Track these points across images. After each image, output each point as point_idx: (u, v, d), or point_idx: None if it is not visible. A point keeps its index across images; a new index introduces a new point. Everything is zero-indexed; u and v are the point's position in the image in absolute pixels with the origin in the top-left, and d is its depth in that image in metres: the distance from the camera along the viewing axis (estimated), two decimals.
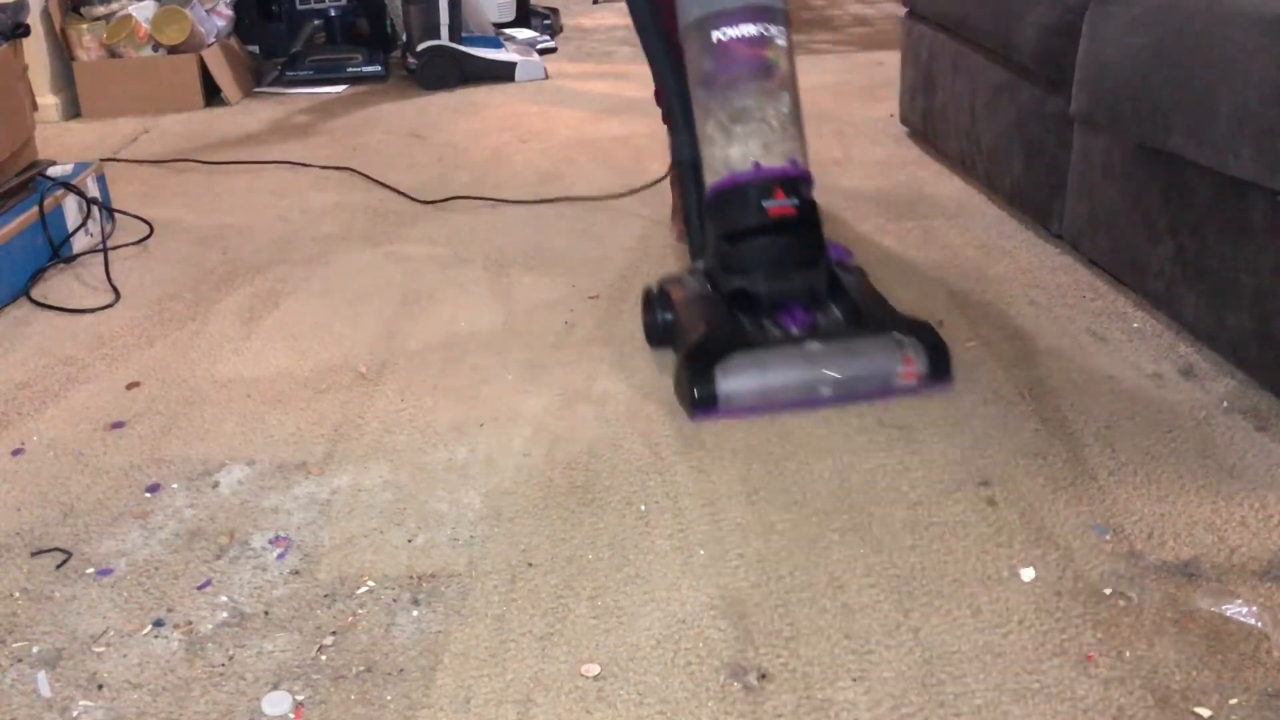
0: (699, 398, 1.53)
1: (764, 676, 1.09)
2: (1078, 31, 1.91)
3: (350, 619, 1.19)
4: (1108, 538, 1.27)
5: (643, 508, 1.36)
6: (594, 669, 1.10)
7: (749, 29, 1.67)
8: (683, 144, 1.82)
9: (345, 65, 3.85)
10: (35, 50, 3.30)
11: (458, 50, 3.72)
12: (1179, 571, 1.21)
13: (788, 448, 1.48)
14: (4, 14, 2.26)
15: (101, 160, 2.52)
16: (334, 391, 1.68)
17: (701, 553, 1.27)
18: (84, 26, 3.47)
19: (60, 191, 2.24)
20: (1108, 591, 1.18)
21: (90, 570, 1.28)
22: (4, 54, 2.23)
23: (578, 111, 3.36)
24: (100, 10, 3.51)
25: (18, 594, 1.25)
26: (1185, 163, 1.64)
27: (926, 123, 2.71)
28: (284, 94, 3.74)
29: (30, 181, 2.24)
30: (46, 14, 3.42)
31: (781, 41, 1.70)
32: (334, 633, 1.17)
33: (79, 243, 2.27)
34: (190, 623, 1.19)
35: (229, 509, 1.39)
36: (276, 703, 1.07)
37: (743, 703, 1.06)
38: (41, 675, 1.12)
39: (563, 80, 3.82)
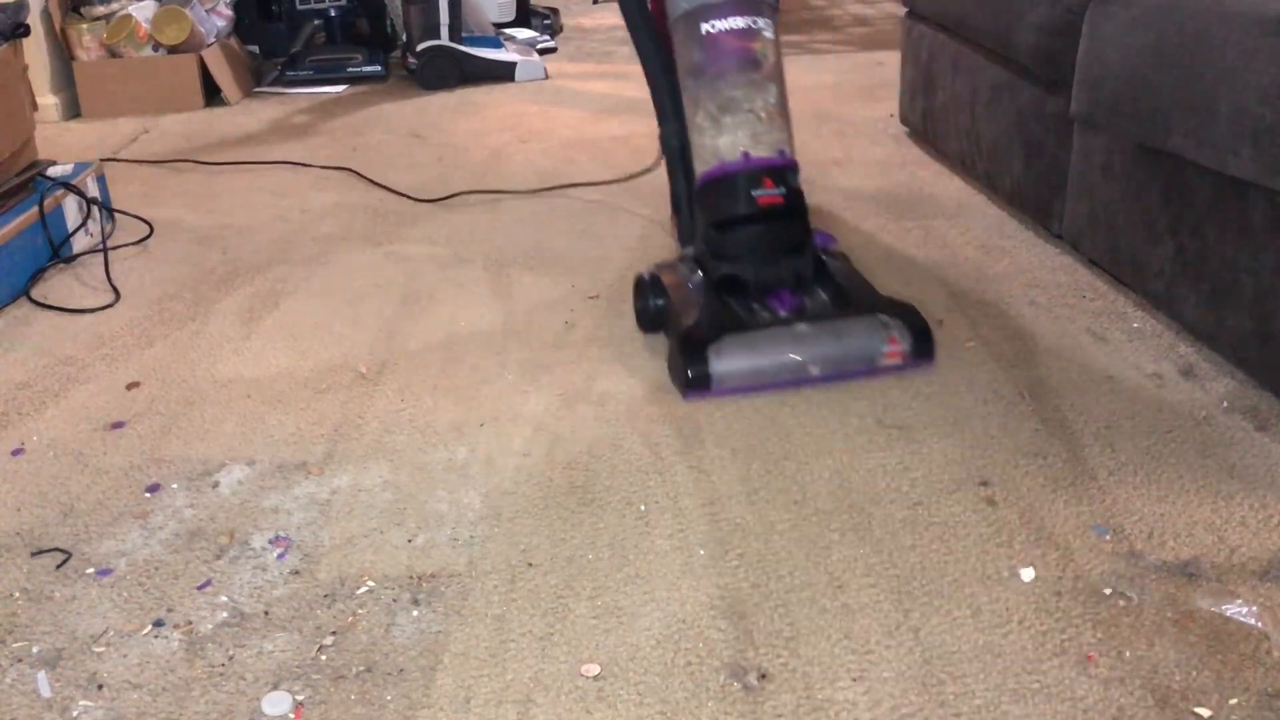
0: (693, 378, 1.59)
1: (764, 676, 1.09)
2: (1078, 31, 1.91)
3: (350, 619, 1.19)
4: (1108, 538, 1.27)
5: (643, 508, 1.36)
6: (594, 669, 1.10)
7: (737, 21, 1.71)
8: (671, 133, 1.87)
9: (345, 65, 3.85)
10: (35, 50, 3.30)
11: (458, 50, 3.72)
12: (1179, 571, 1.21)
13: (788, 448, 1.48)
14: (4, 14, 2.26)
15: (101, 160, 2.52)
16: (334, 391, 1.68)
17: (701, 553, 1.27)
18: (84, 26, 3.47)
19: (60, 191, 2.24)
20: (1108, 591, 1.19)
21: (90, 570, 1.28)
22: (4, 54, 2.23)
23: (578, 111, 3.36)
24: (100, 10, 3.51)
25: (18, 594, 1.25)
26: (1185, 163, 1.64)
27: (926, 123, 2.71)
28: (284, 94, 3.74)
29: (30, 181, 2.24)
30: (46, 14, 3.42)
31: (769, 34, 1.75)
32: (334, 633, 1.17)
33: (79, 243, 2.27)
34: (190, 623, 1.19)
35: (229, 509, 1.39)
36: (276, 703, 1.07)
37: (743, 703, 1.06)
38: (41, 675, 1.12)
39: (563, 80, 3.82)
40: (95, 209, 2.33)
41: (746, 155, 1.70)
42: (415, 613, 1.19)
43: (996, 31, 2.24)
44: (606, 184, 2.61)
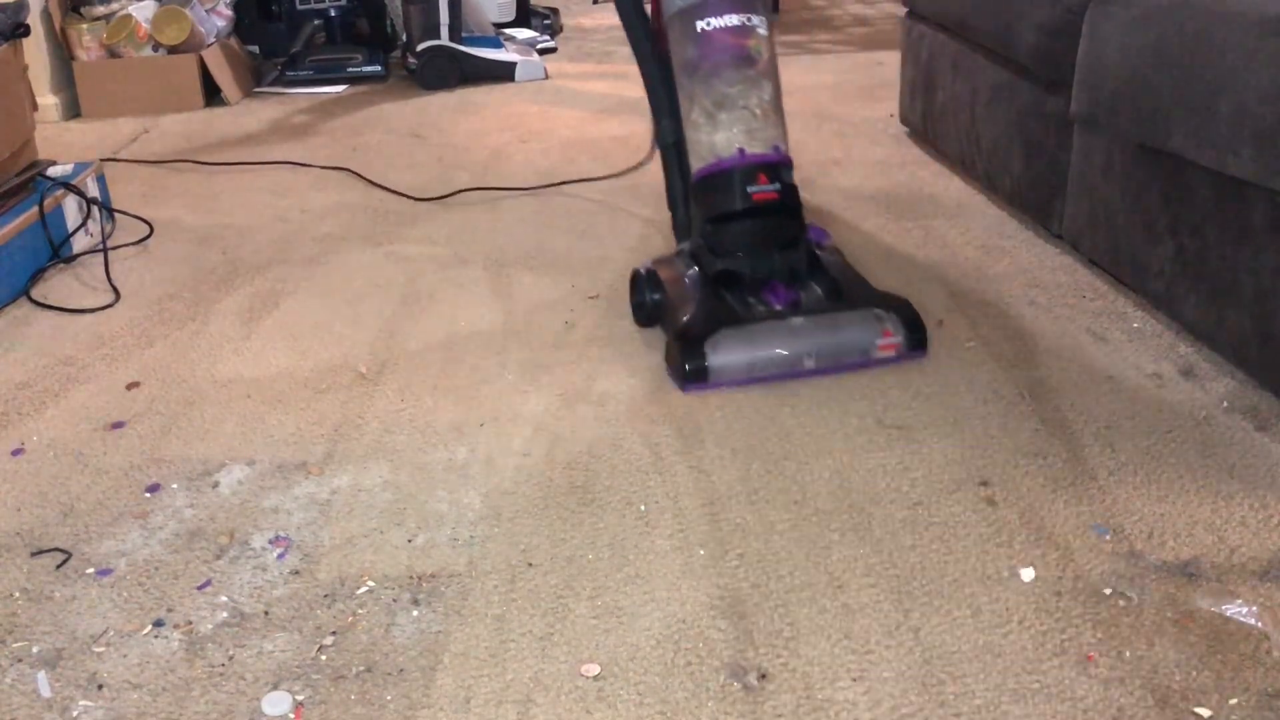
0: (690, 371, 1.61)
1: (764, 676, 1.09)
2: (1078, 31, 1.91)
3: (350, 619, 1.19)
4: (1108, 538, 1.27)
5: (643, 508, 1.36)
6: (594, 669, 1.10)
7: (732, 19, 1.74)
8: (666, 129, 1.89)
9: (345, 65, 3.85)
10: (35, 50, 3.30)
11: (458, 50, 3.72)
12: (1179, 571, 1.21)
13: (788, 448, 1.48)
14: (4, 14, 2.26)
15: (101, 160, 2.52)
16: (334, 391, 1.68)
17: (701, 553, 1.27)
18: (84, 26, 3.47)
19: (60, 191, 2.24)
20: (1108, 591, 1.19)
21: (90, 570, 1.28)
22: (4, 54, 2.23)
23: (578, 111, 3.36)
24: (100, 10, 3.51)
25: (18, 594, 1.25)
26: (1185, 163, 1.64)
27: (926, 123, 2.71)
28: (284, 94, 3.74)
29: (30, 181, 2.24)
30: (46, 14, 3.42)
31: (763, 31, 1.77)
32: (334, 633, 1.17)
33: (79, 243, 2.27)
34: (190, 623, 1.19)
35: (229, 509, 1.39)
36: (276, 703, 1.07)
37: (743, 703, 1.06)
38: (41, 675, 1.12)
39: (563, 80, 3.82)
40: (95, 209, 2.33)
41: (742, 151, 1.72)
42: (415, 613, 1.19)
43: (996, 31, 2.24)
44: (605, 179, 2.61)
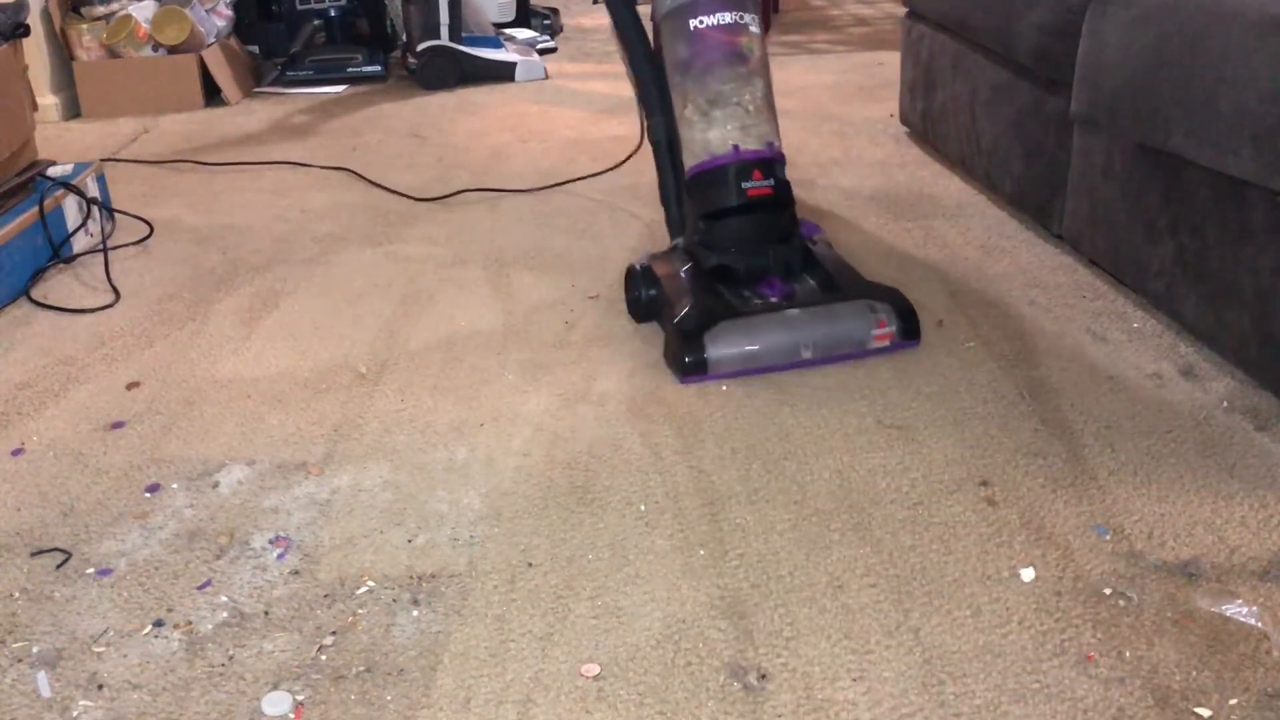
0: (689, 363, 1.64)
1: (764, 676, 1.09)
2: (1078, 31, 1.91)
3: (350, 619, 1.19)
4: (1108, 538, 1.27)
5: (643, 508, 1.36)
6: (594, 669, 1.10)
7: (725, 17, 1.76)
8: (658, 127, 1.91)
9: (345, 65, 3.85)
10: (35, 50, 3.30)
11: (458, 50, 3.71)
12: (1179, 571, 1.21)
13: (788, 448, 1.48)
14: (4, 14, 2.26)
15: (101, 160, 2.52)
16: (334, 391, 1.68)
17: (701, 553, 1.27)
18: (84, 26, 3.47)
19: (60, 191, 2.24)
20: (1108, 591, 1.19)
21: (90, 570, 1.28)
22: (4, 54, 2.23)
23: (578, 111, 3.36)
24: (100, 10, 3.51)
25: (18, 594, 1.25)
26: (1185, 163, 1.64)
27: (926, 123, 2.71)
28: (284, 94, 3.74)
29: (30, 181, 2.24)
30: (46, 14, 3.42)
31: (755, 29, 1.80)
32: (334, 633, 1.17)
33: (79, 243, 2.27)
34: (190, 623, 1.19)
35: (229, 509, 1.39)
36: (276, 703, 1.07)
37: (743, 703, 1.06)
38: (41, 675, 1.12)
39: (563, 80, 3.82)
40: (95, 209, 2.33)
41: (736, 148, 1.74)
42: (415, 613, 1.19)
43: (996, 31, 2.24)
44: (599, 174, 2.61)
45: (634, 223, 2.36)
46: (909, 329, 1.71)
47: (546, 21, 4.56)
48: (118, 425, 1.60)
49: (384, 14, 4.13)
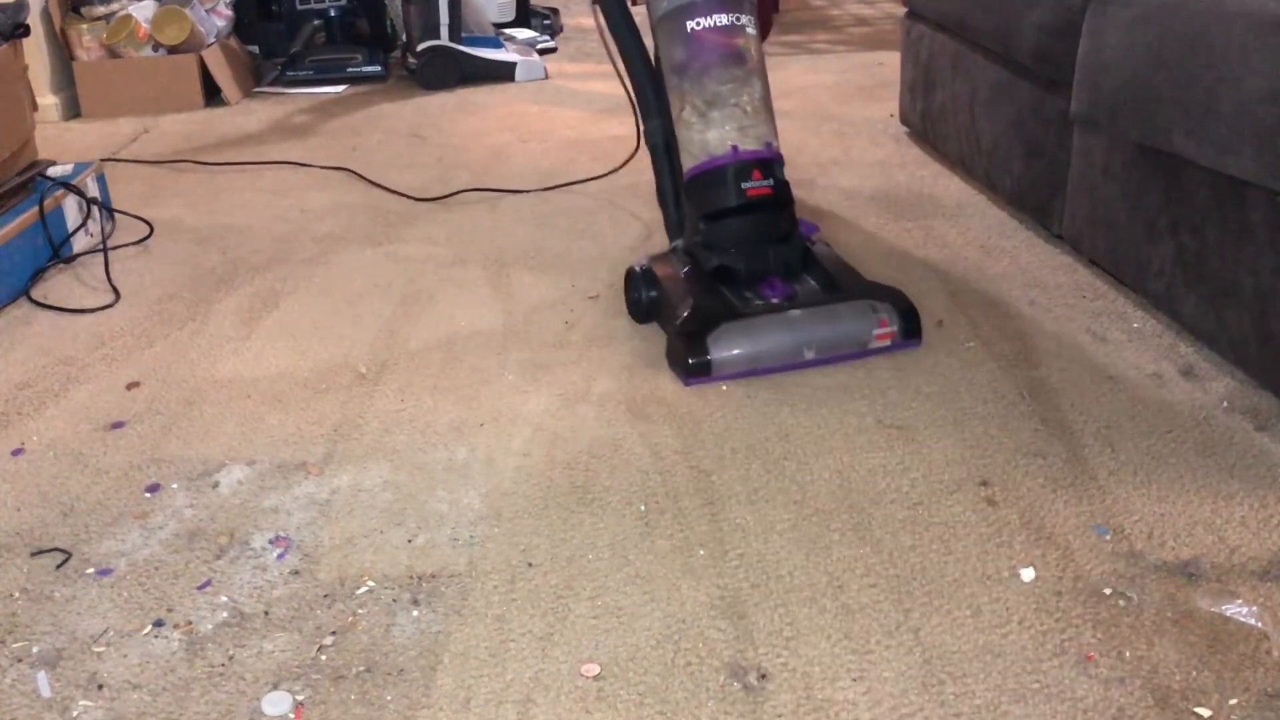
0: (693, 365, 1.64)
1: (764, 676, 1.09)
2: (1078, 31, 1.91)
3: (350, 619, 1.19)
4: (1108, 538, 1.27)
5: (643, 508, 1.36)
6: (594, 669, 1.10)
7: (722, 18, 1.76)
8: (655, 129, 1.91)
9: (345, 65, 3.85)
10: (35, 50, 3.30)
11: (458, 50, 3.71)
12: (1179, 571, 1.21)
13: (788, 448, 1.48)
14: (4, 14, 2.26)
15: (101, 160, 2.52)
16: (334, 391, 1.68)
17: (701, 553, 1.27)
18: (84, 26, 3.47)
19: (60, 191, 2.24)
20: (1108, 591, 1.19)
21: (90, 570, 1.28)
22: (4, 54, 2.23)
23: (578, 111, 3.36)
24: (100, 10, 3.51)
25: (18, 594, 1.25)
26: (1185, 163, 1.64)
27: (926, 123, 2.71)
28: (284, 94, 3.74)
29: (30, 181, 2.24)
30: (46, 14, 3.42)
31: (751, 30, 1.80)
32: (334, 633, 1.17)
33: (79, 243, 2.27)
34: (190, 623, 1.19)
35: (229, 509, 1.39)
36: (276, 703, 1.07)
37: (743, 703, 1.06)
38: (41, 675, 1.12)
39: (563, 80, 3.82)
40: (95, 209, 2.33)
41: (735, 149, 1.74)
42: (415, 613, 1.19)
43: (996, 31, 2.24)
44: (600, 177, 2.61)
45: (634, 223, 2.36)
46: (910, 329, 1.71)
47: (546, 21, 4.56)
48: (118, 425, 1.60)
49: (384, 14, 4.13)
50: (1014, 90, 2.21)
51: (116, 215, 2.46)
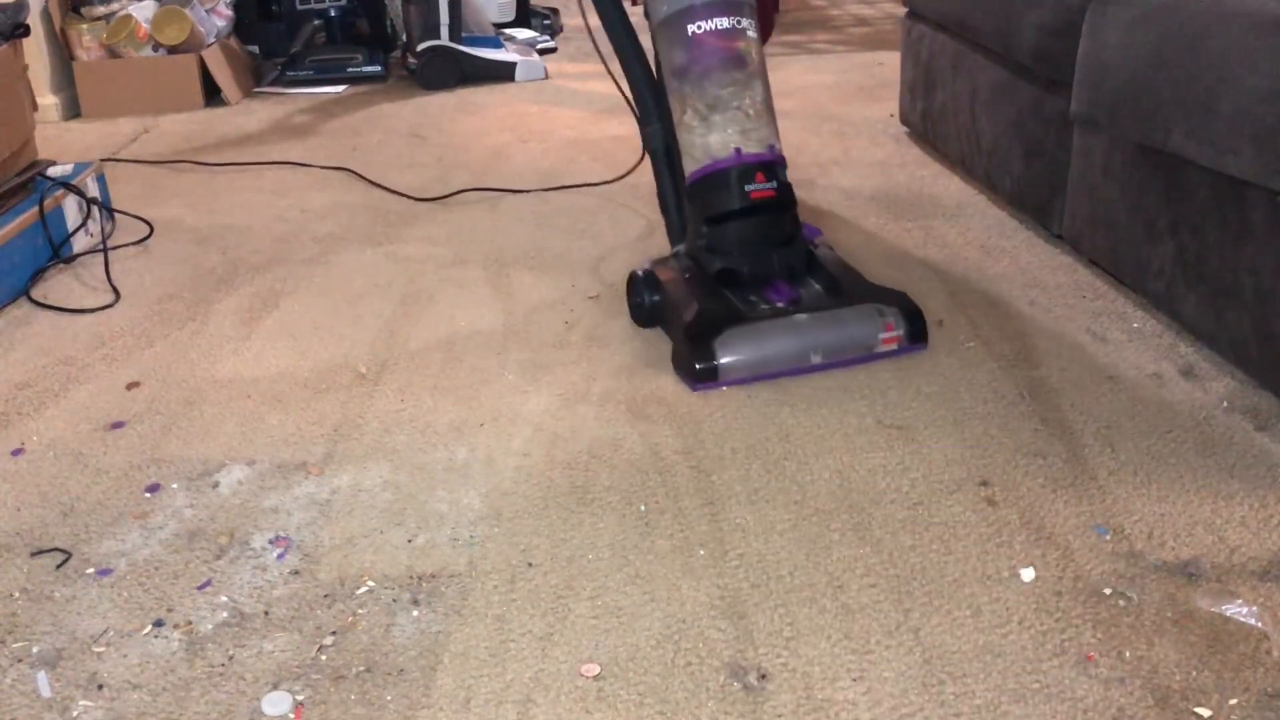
0: (701, 370, 1.62)
1: (764, 676, 1.09)
2: (1078, 31, 1.91)
3: (350, 619, 1.19)
4: (1108, 538, 1.27)
5: (643, 508, 1.36)
6: (594, 669, 1.10)
7: (723, 22, 1.76)
8: (655, 134, 1.91)
9: (345, 65, 3.85)
10: (35, 50, 3.30)
11: (458, 50, 3.71)
12: (1179, 571, 1.21)
13: (788, 448, 1.48)
14: (4, 14, 2.26)
15: (101, 160, 2.52)
16: (334, 391, 1.68)
17: (701, 553, 1.27)
18: (84, 26, 3.47)
19: (60, 191, 2.24)
20: (1108, 591, 1.19)
21: (90, 570, 1.28)
22: (4, 54, 2.23)
23: (578, 111, 3.36)
24: (100, 10, 3.51)
25: (18, 594, 1.25)
26: (1185, 163, 1.64)
27: (926, 123, 2.71)
28: (284, 94, 3.74)
29: (30, 181, 2.24)
30: (46, 14, 3.42)
31: (752, 33, 1.79)
32: (334, 633, 1.17)
33: (79, 243, 2.27)
34: (190, 623, 1.19)
35: (229, 509, 1.39)
36: (276, 703, 1.07)
37: (743, 703, 1.06)
38: (41, 675, 1.12)
39: (563, 80, 3.82)
40: (95, 209, 2.33)
41: (738, 151, 1.73)
42: (415, 613, 1.19)
43: (996, 31, 2.24)
44: (603, 184, 2.61)
45: (634, 223, 2.36)
46: (916, 332, 1.70)
47: (546, 21, 4.56)
48: (118, 425, 1.60)
49: (384, 14, 4.13)
50: (1014, 90, 2.21)
51: (116, 215, 2.46)
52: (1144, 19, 1.72)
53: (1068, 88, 1.96)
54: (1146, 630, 1.13)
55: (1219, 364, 1.65)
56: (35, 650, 1.16)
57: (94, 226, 2.32)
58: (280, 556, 1.30)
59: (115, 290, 2.08)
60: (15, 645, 1.16)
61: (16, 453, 1.54)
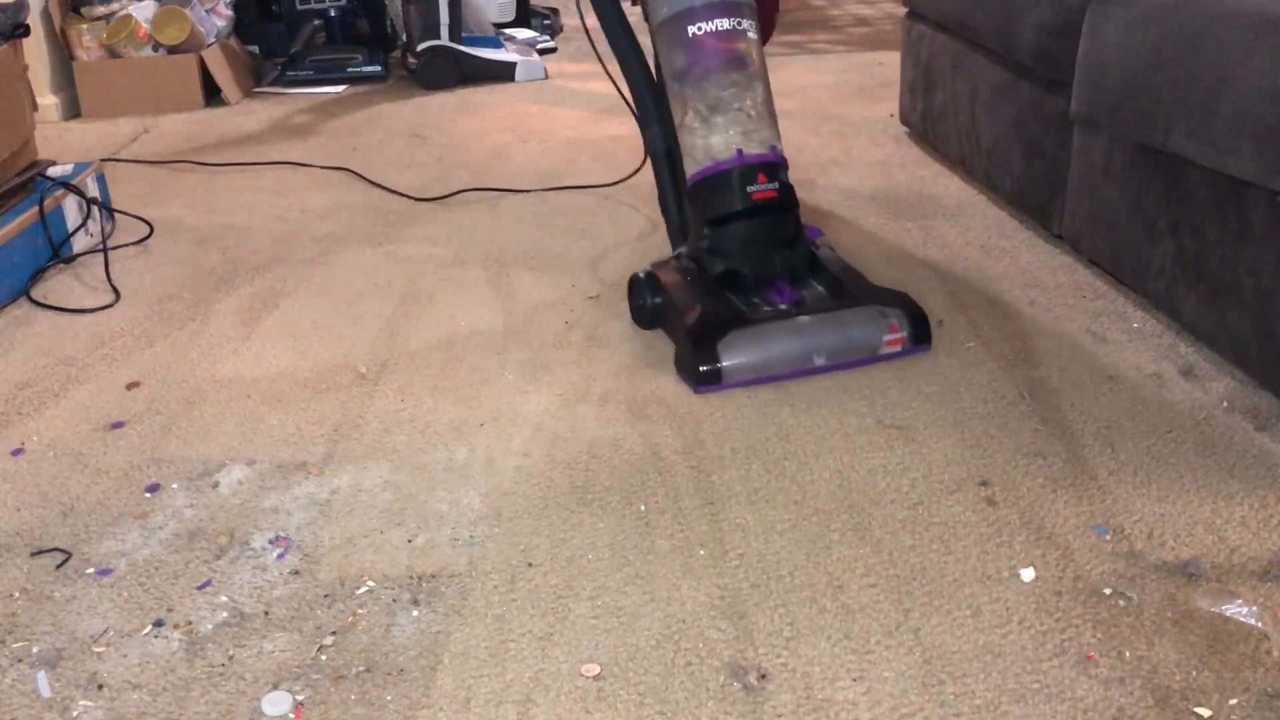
0: (704, 373, 1.61)
1: (764, 676, 1.09)
2: (1078, 31, 1.91)
3: (350, 619, 1.19)
4: (1108, 538, 1.27)
5: (643, 508, 1.36)
6: (594, 669, 1.10)
7: (723, 23, 1.75)
8: (655, 137, 1.91)
9: (345, 65, 3.85)
10: (35, 50, 3.30)
11: (458, 50, 3.71)
12: (1179, 571, 1.21)
13: (788, 448, 1.48)
14: (4, 14, 2.26)
15: (101, 160, 2.52)
16: (334, 391, 1.68)
17: (701, 553, 1.27)
18: (84, 26, 3.47)
19: (60, 191, 2.24)
20: (1108, 591, 1.19)
21: (90, 570, 1.28)
22: (4, 54, 2.23)
23: (578, 111, 3.36)
24: (100, 10, 3.51)
25: (18, 594, 1.25)
26: (1185, 163, 1.64)
27: (926, 123, 2.71)
28: (284, 94, 3.74)
29: (30, 181, 2.24)
30: (46, 14, 3.42)
31: (752, 34, 1.79)
32: (334, 633, 1.17)
33: (79, 243, 2.27)
34: (190, 623, 1.19)
35: (229, 509, 1.39)
36: (276, 703, 1.07)
37: (743, 703, 1.06)
38: (41, 675, 1.12)
39: (563, 80, 3.82)
40: (95, 209, 2.33)
41: (740, 153, 1.73)
42: (415, 613, 1.19)
43: (996, 31, 2.24)
44: (604, 186, 2.61)
45: (634, 223, 2.36)
46: (920, 334, 1.70)
47: (546, 21, 4.56)
48: (118, 425, 1.60)
49: (384, 14, 4.13)
50: (1014, 90, 2.21)
51: (116, 215, 2.46)
52: (1144, 19, 1.72)
53: (1068, 88, 1.96)
54: (1146, 630, 1.13)
55: (1219, 364, 1.65)
56: (35, 650, 1.16)
57: (94, 226, 2.32)
58: (280, 556, 1.30)
59: (115, 290, 2.08)
60: (15, 645, 1.16)
61: (16, 453, 1.54)
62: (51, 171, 2.29)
